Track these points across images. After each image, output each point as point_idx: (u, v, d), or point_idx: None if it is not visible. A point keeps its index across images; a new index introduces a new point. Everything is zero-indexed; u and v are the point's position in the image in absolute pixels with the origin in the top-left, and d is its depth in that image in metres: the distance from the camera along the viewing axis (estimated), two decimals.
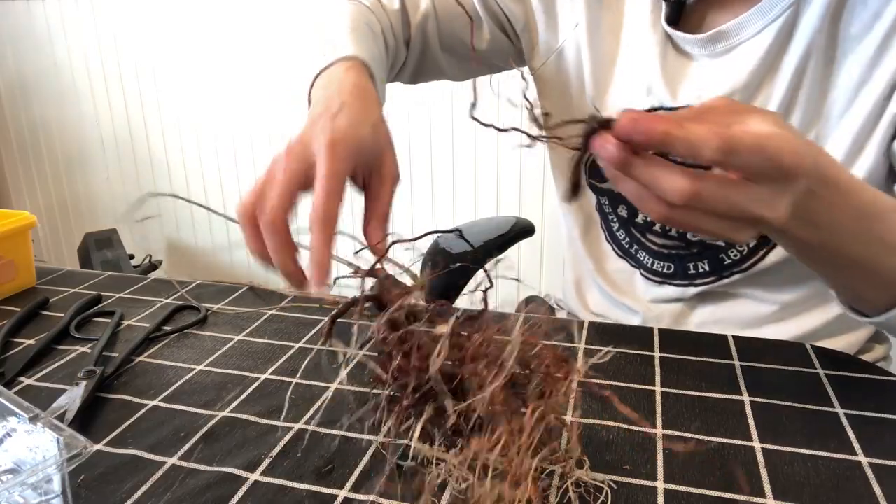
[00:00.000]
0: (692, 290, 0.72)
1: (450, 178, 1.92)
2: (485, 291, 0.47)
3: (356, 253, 0.48)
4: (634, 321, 0.77)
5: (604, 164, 0.42)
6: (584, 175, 0.71)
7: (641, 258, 0.74)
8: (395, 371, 0.44)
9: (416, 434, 0.42)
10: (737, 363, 0.56)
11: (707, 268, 0.70)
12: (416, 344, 0.41)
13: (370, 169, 0.52)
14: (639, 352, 0.58)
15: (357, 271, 0.45)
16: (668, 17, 0.66)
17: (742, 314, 0.72)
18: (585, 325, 0.63)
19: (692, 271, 0.71)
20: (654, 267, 0.73)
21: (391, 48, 0.74)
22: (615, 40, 0.71)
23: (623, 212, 0.73)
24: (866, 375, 0.54)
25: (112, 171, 2.43)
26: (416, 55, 0.79)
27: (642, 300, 0.76)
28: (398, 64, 0.78)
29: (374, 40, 0.68)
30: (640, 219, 0.72)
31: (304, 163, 0.48)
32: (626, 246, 0.75)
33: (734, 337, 0.60)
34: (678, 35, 0.66)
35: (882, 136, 0.59)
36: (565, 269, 0.90)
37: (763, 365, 0.56)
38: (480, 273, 0.45)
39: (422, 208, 1.99)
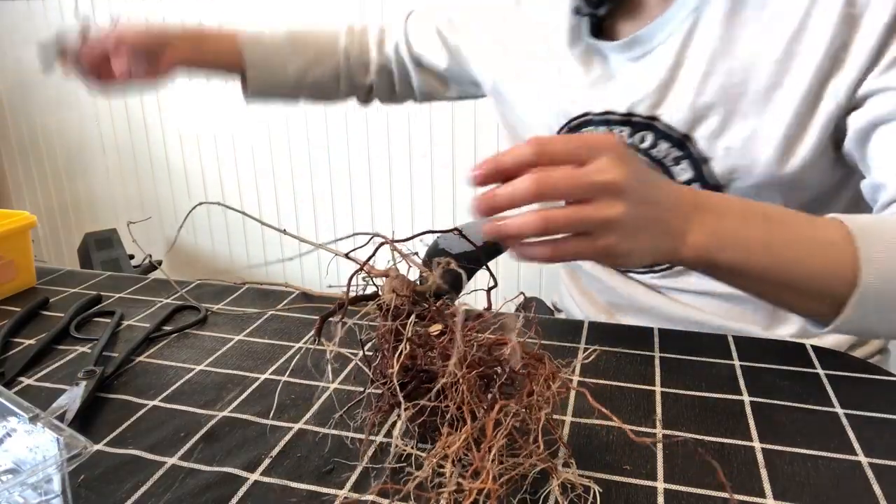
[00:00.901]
0: (658, 280, 0.76)
1: (449, 178, 1.93)
2: (488, 291, 0.47)
3: (349, 253, 0.48)
4: (629, 316, 0.78)
5: (512, 246, 0.47)
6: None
7: None
8: (381, 369, 0.45)
9: (398, 430, 0.42)
10: (737, 363, 0.56)
11: None
12: (406, 341, 0.42)
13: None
14: (639, 352, 0.58)
15: (368, 270, 0.45)
16: (591, 31, 0.72)
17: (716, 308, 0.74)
18: (585, 325, 0.63)
19: None
20: None
21: (331, 60, 0.93)
22: (531, 59, 0.78)
23: None
24: (866, 375, 0.54)
25: (112, 172, 2.43)
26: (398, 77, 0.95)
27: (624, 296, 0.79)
28: (341, 75, 0.94)
29: (293, 43, 0.91)
30: None
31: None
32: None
33: (734, 337, 0.61)
34: (603, 44, 0.72)
35: (824, 120, 0.62)
36: (561, 271, 0.91)
37: (763, 365, 0.56)
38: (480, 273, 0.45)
39: (422, 208, 1.99)
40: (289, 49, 0.90)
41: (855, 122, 0.61)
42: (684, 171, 0.70)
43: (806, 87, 0.62)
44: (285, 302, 0.72)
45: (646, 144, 0.71)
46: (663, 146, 0.70)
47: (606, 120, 0.72)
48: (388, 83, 0.95)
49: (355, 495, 0.42)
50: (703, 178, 0.69)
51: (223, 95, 2.12)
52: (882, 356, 0.79)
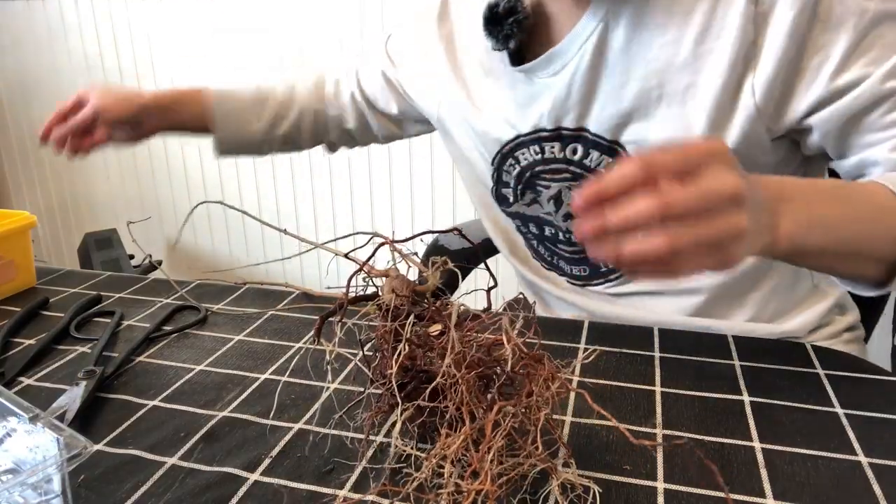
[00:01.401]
0: (613, 289, 0.78)
1: (450, 178, 1.93)
2: (488, 291, 0.47)
3: (348, 254, 0.48)
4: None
5: (589, 244, 0.44)
6: (494, 205, 0.83)
7: (563, 267, 0.80)
8: (381, 369, 0.45)
9: (397, 430, 0.42)
10: (737, 363, 0.56)
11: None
12: (405, 342, 0.42)
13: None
14: (639, 352, 0.58)
15: (367, 270, 0.45)
16: (511, 61, 0.73)
17: (668, 308, 0.75)
18: (585, 325, 0.63)
19: (603, 269, 0.77)
20: (574, 272, 0.80)
21: (274, 106, 0.94)
22: (463, 86, 0.80)
23: (534, 229, 0.81)
24: (866, 375, 0.54)
25: (112, 171, 2.44)
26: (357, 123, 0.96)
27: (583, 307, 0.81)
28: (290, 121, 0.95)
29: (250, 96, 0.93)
30: (547, 232, 0.79)
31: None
32: (549, 258, 0.82)
33: (734, 337, 0.61)
34: (524, 67, 0.72)
35: (745, 114, 0.63)
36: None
37: (763, 365, 0.56)
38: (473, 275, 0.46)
39: (422, 208, 1.99)
40: (253, 108, 0.93)
41: (828, 117, 0.61)
42: None
43: (721, 83, 0.63)
44: (285, 302, 0.72)
45: (577, 156, 0.72)
46: (594, 155, 0.71)
47: (537, 138, 0.74)
48: (349, 136, 0.97)
49: (355, 495, 0.42)
50: None
51: None
52: (856, 331, 0.79)
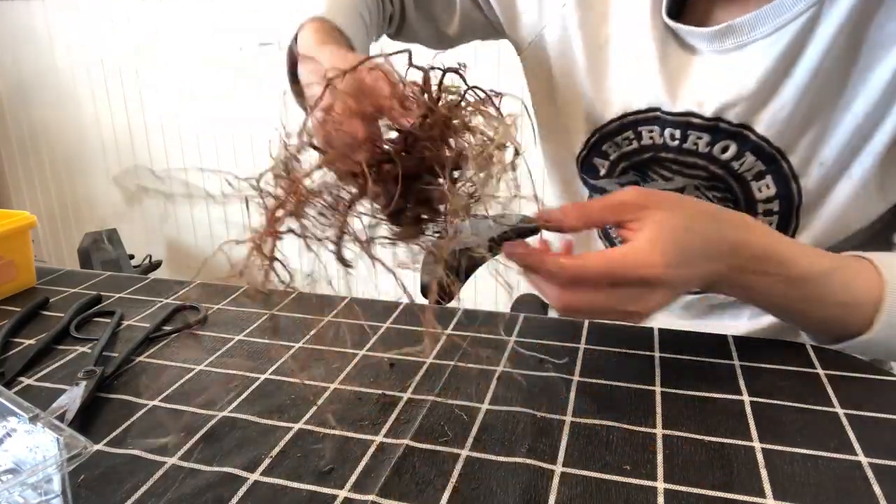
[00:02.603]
0: None
1: None
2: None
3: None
4: None
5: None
6: (579, 174, 0.73)
7: None
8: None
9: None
10: (737, 363, 0.56)
11: None
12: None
13: None
14: (639, 352, 0.58)
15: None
16: (669, 10, 0.62)
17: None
18: (585, 325, 0.63)
19: None
20: None
21: (372, 14, 0.75)
22: (606, 25, 0.66)
23: None
24: (866, 375, 0.54)
25: (112, 172, 2.43)
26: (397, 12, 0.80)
27: None
28: (385, 19, 0.78)
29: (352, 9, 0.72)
30: None
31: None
32: (617, 241, 0.74)
33: (734, 337, 0.61)
34: (681, 28, 0.61)
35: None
36: None
37: (763, 365, 0.56)
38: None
39: None
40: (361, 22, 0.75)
41: None
42: (766, 188, 0.62)
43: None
44: (286, 302, 0.72)
45: (727, 155, 0.62)
46: (749, 159, 0.61)
47: (687, 122, 0.62)
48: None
49: (355, 495, 0.42)
50: (790, 196, 0.62)
51: (223, 96, 2.12)
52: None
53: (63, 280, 0.80)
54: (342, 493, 0.42)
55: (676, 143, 0.63)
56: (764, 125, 0.60)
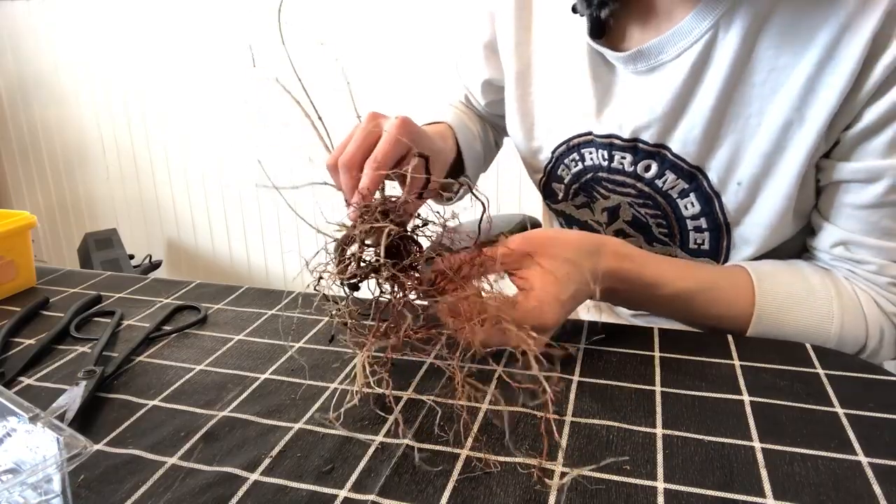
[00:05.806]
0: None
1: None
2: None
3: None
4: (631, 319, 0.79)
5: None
6: (542, 200, 0.80)
7: None
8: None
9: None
10: (737, 363, 0.56)
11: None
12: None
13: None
14: (639, 352, 0.58)
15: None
16: (591, 32, 0.65)
17: None
18: (585, 325, 0.63)
19: None
20: None
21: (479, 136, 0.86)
22: (548, 49, 0.71)
23: (575, 228, 0.77)
24: (866, 375, 0.54)
25: (112, 172, 2.44)
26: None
27: None
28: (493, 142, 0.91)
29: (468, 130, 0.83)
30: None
31: (377, 127, 0.58)
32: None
33: (734, 337, 0.61)
34: (603, 50, 0.64)
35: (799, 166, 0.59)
36: None
37: (763, 365, 0.56)
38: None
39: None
40: (468, 128, 0.84)
41: (835, 171, 0.59)
42: (691, 206, 0.65)
43: (820, 125, 0.56)
44: (285, 302, 0.72)
45: (650, 174, 0.65)
46: (670, 177, 0.64)
47: (611, 143, 0.66)
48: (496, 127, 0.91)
49: (355, 495, 0.42)
50: (713, 213, 0.65)
51: (223, 97, 2.12)
52: None
53: (63, 280, 0.80)
54: (342, 493, 0.42)
55: (606, 162, 0.68)
56: (678, 144, 0.63)
